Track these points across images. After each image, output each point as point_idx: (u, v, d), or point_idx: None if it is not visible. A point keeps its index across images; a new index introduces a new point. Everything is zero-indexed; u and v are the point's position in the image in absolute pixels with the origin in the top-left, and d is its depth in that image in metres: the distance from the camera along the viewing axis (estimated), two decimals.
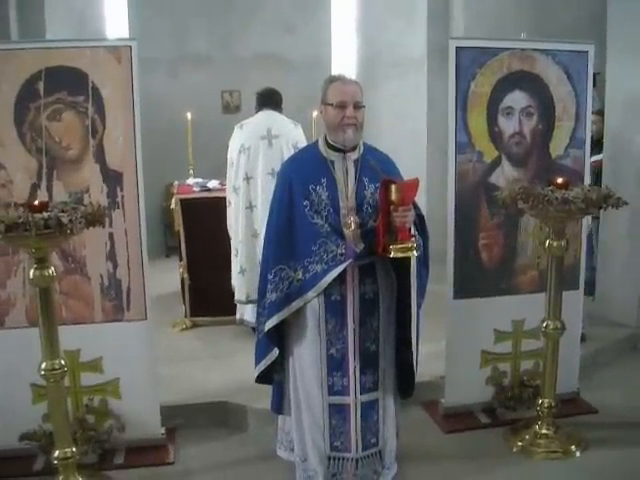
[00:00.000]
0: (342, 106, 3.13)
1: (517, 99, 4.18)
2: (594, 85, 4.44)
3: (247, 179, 5.14)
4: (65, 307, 3.78)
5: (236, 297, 5.34)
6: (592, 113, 5.21)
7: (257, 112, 5.33)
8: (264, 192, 4.96)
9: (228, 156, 5.32)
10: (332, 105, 3.15)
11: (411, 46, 7.70)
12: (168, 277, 6.45)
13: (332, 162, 3.22)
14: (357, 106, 3.14)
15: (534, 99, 4.20)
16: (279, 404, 3.46)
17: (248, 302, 5.21)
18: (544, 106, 4.22)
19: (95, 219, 3.12)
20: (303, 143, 5.01)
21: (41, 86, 3.61)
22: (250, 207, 5.16)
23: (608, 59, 5.68)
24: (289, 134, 5.15)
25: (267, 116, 5.24)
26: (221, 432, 4.22)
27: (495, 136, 4.19)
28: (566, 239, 3.85)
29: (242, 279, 5.26)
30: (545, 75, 4.19)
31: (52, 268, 3.14)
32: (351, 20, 8.90)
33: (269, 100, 5.31)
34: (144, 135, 3.78)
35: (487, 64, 4.09)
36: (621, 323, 5.61)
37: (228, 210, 5.34)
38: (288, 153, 4.88)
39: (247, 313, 5.28)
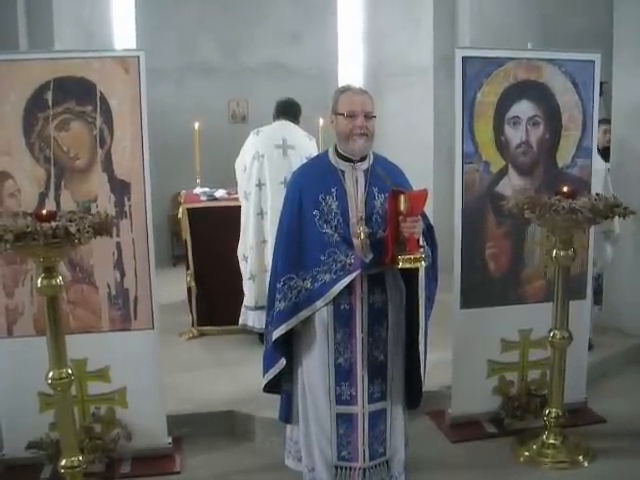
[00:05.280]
0: (352, 116, 3.13)
1: (524, 109, 4.18)
2: (600, 94, 4.44)
3: (259, 185, 5.18)
4: (72, 316, 3.79)
5: (245, 302, 5.36)
6: (603, 122, 5.25)
7: (274, 121, 5.37)
8: (274, 200, 4.99)
9: (238, 160, 5.35)
10: (343, 115, 3.15)
11: (417, 56, 7.73)
12: (175, 286, 6.46)
13: (342, 172, 3.22)
14: (368, 116, 3.14)
15: (541, 109, 4.20)
16: (287, 413, 3.45)
17: (257, 308, 5.23)
18: (551, 115, 4.22)
19: (103, 228, 3.12)
20: None
21: (49, 96, 3.63)
22: (261, 213, 5.20)
23: (614, 68, 5.68)
24: (303, 147, 5.20)
25: (282, 126, 5.30)
26: (228, 441, 4.21)
27: (502, 146, 4.19)
28: (573, 248, 3.85)
29: (252, 285, 5.28)
30: (551, 85, 4.20)
31: (60, 277, 3.14)
32: (358, 30, 8.95)
33: (286, 111, 5.37)
34: (151, 144, 3.80)
35: (493, 74, 4.10)
36: (629, 332, 5.60)
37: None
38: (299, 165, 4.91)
39: (250, 318, 5.33)
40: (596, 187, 4.40)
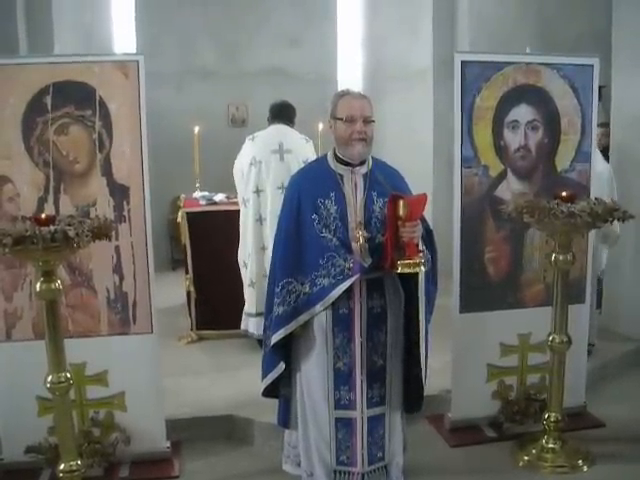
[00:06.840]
0: (351, 120, 3.13)
1: (522, 113, 4.18)
2: (599, 98, 4.44)
3: (257, 192, 5.15)
4: (71, 320, 3.78)
5: (245, 309, 5.35)
6: (598, 126, 5.23)
7: (269, 125, 5.34)
8: (273, 206, 4.97)
9: (236, 167, 5.32)
10: (342, 119, 3.16)
11: (416, 60, 7.74)
12: (174, 290, 6.46)
13: (341, 176, 3.23)
14: (366, 121, 3.15)
15: (539, 113, 4.21)
16: (285, 418, 3.45)
17: (257, 315, 5.21)
18: (549, 120, 4.23)
19: (102, 232, 3.13)
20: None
21: (49, 100, 3.63)
22: (260, 220, 5.18)
23: (613, 72, 5.69)
24: (300, 150, 5.17)
25: (278, 130, 5.25)
26: (226, 446, 4.20)
27: (501, 150, 4.19)
28: (572, 252, 3.85)
29: (252, 292, 5.27)
30: (550, 89, 4.20)
31: (58, 281, 3.14)
32: (357, 34, 8.97)
33: (280, 114, 5.32)
34: (151, 149, 3.80)
35: (492, 78, 4.10)
36: (628, 336, 5.59)
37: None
38: (298, 168, 4.88)
39: (251, 324, 5.31)
40: (602, 189, 4.40)
